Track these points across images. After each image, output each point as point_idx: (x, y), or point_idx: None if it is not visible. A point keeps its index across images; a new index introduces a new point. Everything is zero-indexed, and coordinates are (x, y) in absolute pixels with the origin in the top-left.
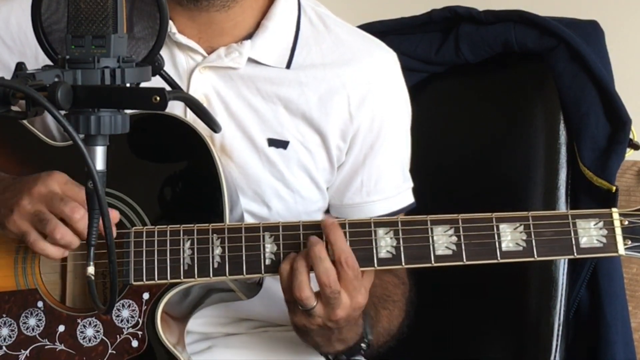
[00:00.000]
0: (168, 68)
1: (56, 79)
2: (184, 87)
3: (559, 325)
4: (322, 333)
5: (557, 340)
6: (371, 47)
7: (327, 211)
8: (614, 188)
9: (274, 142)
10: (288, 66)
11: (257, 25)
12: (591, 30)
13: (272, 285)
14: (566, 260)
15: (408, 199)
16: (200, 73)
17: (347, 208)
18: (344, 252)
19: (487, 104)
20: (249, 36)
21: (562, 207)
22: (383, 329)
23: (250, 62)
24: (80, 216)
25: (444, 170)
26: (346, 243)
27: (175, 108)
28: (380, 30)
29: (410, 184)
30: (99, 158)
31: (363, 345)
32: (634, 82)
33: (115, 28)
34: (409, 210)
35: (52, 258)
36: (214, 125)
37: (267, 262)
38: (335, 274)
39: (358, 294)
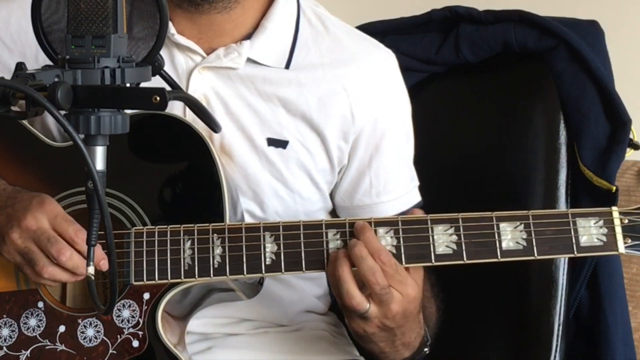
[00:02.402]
0: (167, 69)
1: (56, 79)
2: (183, 87)
3: (559, 325)
4: (385, 337)
5: (557, 340)
6: (370, 48)
7: (332, 212)
8: (614, 188)
9: (274, 142)
10: (287, 66)
11: (257, 26)
12: (591, 30)
13: (273, 285)
14: (566, 260)
15: (416, 197)
16: (199, 73)
17: (358, 210)
18: (376, 250)
19: (487, 104)
20: (248, 36)
21: (562, 207)
22: (431, 330)
23: (249, 62)
24: (67, 258)
25: (444, 170)
26: (378, 241)
27: (175, 108)
28: (380, 30)
29: (417, 182)
30: (99, 158)
31: (426, 349)
32: (634, 82)
33: (115, 28)
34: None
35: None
36: (213, 125)
37: (268, 261)
38: (380, 269)
39: (407, 287)
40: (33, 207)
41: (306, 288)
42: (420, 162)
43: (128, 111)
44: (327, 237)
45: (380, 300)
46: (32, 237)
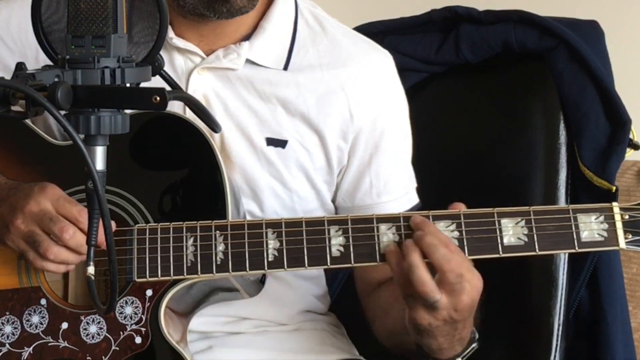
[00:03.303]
0: (166, 70)
1: (56, 79)
2: (182, 88)
3: (559, 325)
4: (446, 331)
5: (557, 340)
6: (367, 49)
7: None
8: (614, 188)
9: (273, 142)
10: (285, 68)
11: (255, 27)
12: (591, 30)
13: (273, 284)
14: (566, 260)
15: (415, 198)
16: (198, 74)
17: (359, 210)
18: (444, 240)
19: (487, 103)
20: (247, 37)
21: None
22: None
23: (248, 63)
24: (70, 235)
25: (444, 170)
26: (442, 233)
27: (175, 108)
28: (380, 30)
29: (415, 184)
30: (99, 158)
31: (474, 344)
32: (634, 82)
33: (115, 28)
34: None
35: (55, 273)
36: (213, 125)
37: (270, 258)
38: (454, 257)
39: (474, 276)
40: (35, 193)
41: (306, 288)
42: (421, 162)
43: (129, 111)
44: (329, 233)
45: (452, 289)
46: (35, 220)
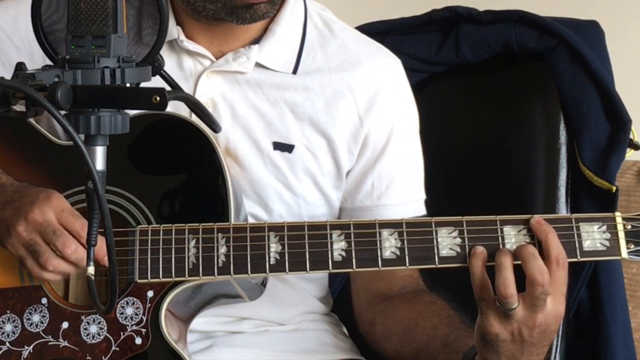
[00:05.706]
0: (175, 73)
1: (56, 79)
2: (190, 91)
3: (559, 325)
4: (511, 351)
5: (557, 340)
6: (376, 52)
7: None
8: (614, 188)
9: (279, 146)
10: (294, 72)
11: (265, 30)
12: (591, 30)
13: (275, 286)
14: None
15: (420, 210)
16: (207, 78)
17: (359, 212)
18: (562, 252)
19: (487, 104)
20: (257, 40)
21: (562, 207)
22: None
23: (257, 66)
24: (72, 251)
25: (444, 170)
26: (557, 242)
27: (180, 109)
28: (380, 30)
29: (423, 196)
30: (99, 158)
31: None
32: (634, 82)
33: (115, 28)
34: None
35: (52, 281)
36: (214, 125)
37: (272, 261)
38: (549, 273)
39: (562, 302)
40: (40, 201)
41: (308, 289)
42: None
43: (133, 111)
44: (331, 238)
45: (532, 304)
46: (37, 230)
